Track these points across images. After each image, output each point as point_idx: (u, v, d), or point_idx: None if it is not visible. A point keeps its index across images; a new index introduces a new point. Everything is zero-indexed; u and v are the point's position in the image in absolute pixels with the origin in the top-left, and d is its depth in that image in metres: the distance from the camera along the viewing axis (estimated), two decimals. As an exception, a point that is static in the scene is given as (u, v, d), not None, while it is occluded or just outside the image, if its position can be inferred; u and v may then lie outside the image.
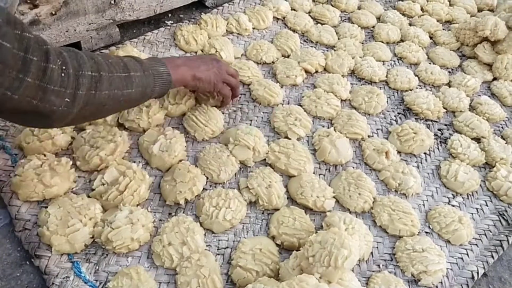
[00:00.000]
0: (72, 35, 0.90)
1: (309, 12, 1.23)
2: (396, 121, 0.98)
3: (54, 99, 0.50)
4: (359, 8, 1.31)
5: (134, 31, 1.06)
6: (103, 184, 0.71)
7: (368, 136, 0.92)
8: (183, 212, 0.72)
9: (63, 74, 0.50)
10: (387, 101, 1.01)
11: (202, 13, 1.11)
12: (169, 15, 1.13)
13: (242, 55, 1.05)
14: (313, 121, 0.92)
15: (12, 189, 0.69)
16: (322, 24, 1.20)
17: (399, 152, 0.91)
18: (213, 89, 0.80)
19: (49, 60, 0.49)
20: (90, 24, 0.92)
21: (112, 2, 0.92)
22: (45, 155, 0.72)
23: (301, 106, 0.95)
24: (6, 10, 0.46)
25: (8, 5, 0.72)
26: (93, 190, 0.71)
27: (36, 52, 0.47)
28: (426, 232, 0.78)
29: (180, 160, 0.78)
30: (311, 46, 1.13)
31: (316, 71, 1.05)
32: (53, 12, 0.84)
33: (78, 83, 0.52)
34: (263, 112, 0.93)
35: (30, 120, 0.54)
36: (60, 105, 0.51)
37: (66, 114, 0.53)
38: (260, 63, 1.04)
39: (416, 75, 1.11)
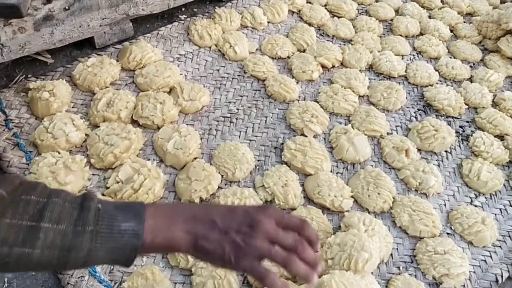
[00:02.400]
0: (85, 31, 0.89)
1: (325, 5, 1.20)
2: (416, 117, 0.95)
3: None
4: (376, 0, 1.27)
5: (148, 25, 1.05)
6: (118, 182, 0.70)
7: (387, 133, 0.89)
8: (198, 211, 0.71)
9: None
10: (406, 97, 0.98)
11: (216, 7, 1.09)
12: (183, 9, 1.11)
13: (256, 50, 1.03)
14: (330, 117, 0.90)
15: (27, 187, 0.68)
16: (338, 17, 1.17)
17: (419, 150, 0.88)
18: (232, 268, 0.46)
19: None
20: (103, 19, 0.90)
21: (126, -4, 0.91)
22: (59, 153, 0.72)
23: (317, 102, 0.92)
24: None
25: (22, 1, 0.71)
26: (107, 188, 0.70)
27: None
28: (448, 233, 0.76)
29: (195, 158, 0.77)
30: (328, 40, 1.10)
31: (333, 66, 1.02)
32: (67, 7, 0.83)
33: None
34: (278, 109, 0.91)
35: None
36: None
37: None
38: (275, 58, 1.02)
39: (436, 70, 1.07)
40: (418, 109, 0.98)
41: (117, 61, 0.91)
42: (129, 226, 0.42)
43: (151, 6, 0.98)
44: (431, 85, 1.03)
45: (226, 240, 0.45)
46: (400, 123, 0.93)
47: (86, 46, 0.95)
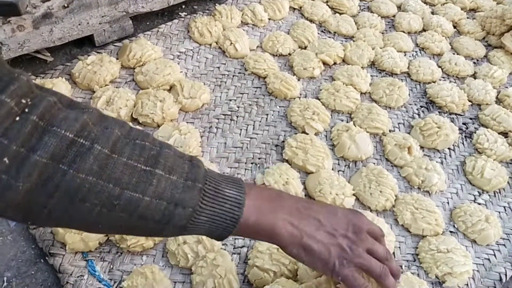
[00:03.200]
0: (85, 28, 0.89)
1: (327, 1, 1.19)
2: (419, 114, 0.94)
3: None
4: (378, -4, 1.26)
5: (148, 23, 1.04)
6: (117, 181, 0.70)
7: (390, 131, 0.88)
8: (198, 210, 0.71)
9: (17, 118, 0.30)
10: (409, 94, 0.97)
11: (216, 4, 1.08)
12: (183, 6, 1.10)
13: (257, 47, 1.02)
14: (331, 115, 0.89)
15: (26, 186, 0.68)
16: (340, 13, 1.16)
17: (422, 147, 0.87)
18: (330, 274, 0.45)
19: (5, 90, 0.29)
20: (103, 16, 0.90)
21: (125, -7, 0.90)
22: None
23: (319, 99, 0.92)
24: None
25: (20, -2, 0.70)
26: (107, 186, 0.70)
27: None
28: (451, 232, 0.75)
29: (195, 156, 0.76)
30: (329, 37, 1.09)
31: (335, 63, 1.01)
32: (66, 5, 0.83)
33: (39, 141, 0.30)
34: (279, 106, 0.90)
35: None
36: None
37: (5, 188, 0.30)
38: (276, 55, 1.01)
39: (439, 66, 1.06)
40: (421, 106, 0.96)
41: (117, 59, 0.90)
42: (232, 193, 0.40)
43: (151, 3, 0.97)
44: (434, 82, 1.02)
45: (333, 243, 0.44)
46: (403, 120, 0.92)
47: (85, 44, 0.94)
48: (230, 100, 0.89)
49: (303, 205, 0.45)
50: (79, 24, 0.87)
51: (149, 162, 0.36)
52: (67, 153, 0.32)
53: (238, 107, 0.88)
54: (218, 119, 0.85)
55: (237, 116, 0.87)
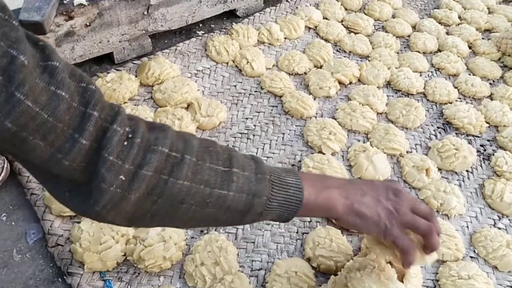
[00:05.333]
0: (105, 46, 0.90)
1: (342, 21, 1.20)
2: (436, 135, 0.94)
3: (104, 173, 0.36)
4: (393, 16, 1.27)
5: (166, 41, 1.06)
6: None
7: (407, 152, 0.88)
8: (215, 230, 0.70)
9: (125, 143, 0.37)
10: (425, 115, 0.96)
11: (233, 23, 1.10)
12: (200, 25, 1.12)
13: (273, 65, 1.03)
14: (348, 135, 0.89)
15: (45, 203, 0.68)
16: (355, 33, 1.17)
17: (439, 169, 0.86)
18: (383, 235, 0.50)
19: (115, 120, 0.37)
20: (123, 35, 0.91)
21: (145, 13, 0.92)
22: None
23: (335, 119, 0.92)
24: (71, 66, 0.37)
25: (46, 18, 0.72)
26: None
27: (100, 106, 0.37)
28: (471, 257, 0.73)
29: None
30: (345, 56, 1.09)
31: (350, 82, 1.01)
32: (88, 24, 0.84)
33: (143, 159, 0.38)
34: (295, 125, 0.90)
35: (74, 197, 0.39)
36: (112, 183, 0.36)
37: (119, 200, 0.37)
38: (292, 74, 1.01)
39: (455, 87, 1.06)
40: (438, 127, 0.96)
41: (136, 76, 0.91)
42: (292, 180, 0.46)
43: (169, 22, 0.99)
44: (451, 103, 1.01)
45: (379, 206, 0.50)
46: (420, 141, 0.92)
47: (105, 61, 0.96)
48: (247, 118, 0.90)
49: (347, 181, 0.53)
50: (100, 42, 0.89)
51: (226, 163, 0.43)
52: (166, 165, 0.39)
53: (255, 125, 0.89)
54: (235, 137, 0.86)
55: (254, 135, 0.87)
